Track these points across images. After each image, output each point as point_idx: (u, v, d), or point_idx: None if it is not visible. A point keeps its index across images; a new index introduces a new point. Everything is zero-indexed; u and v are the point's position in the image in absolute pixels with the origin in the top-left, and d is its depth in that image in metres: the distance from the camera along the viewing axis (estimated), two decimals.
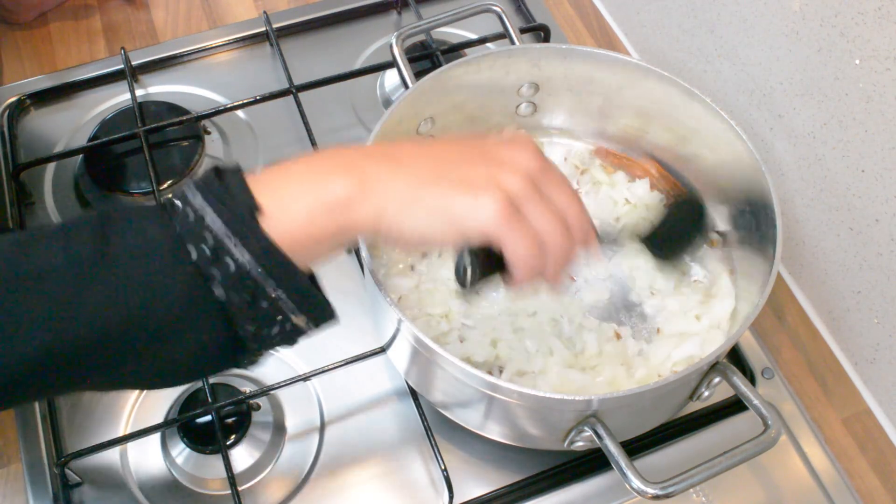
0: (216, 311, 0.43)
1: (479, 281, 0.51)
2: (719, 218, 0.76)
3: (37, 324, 0.41)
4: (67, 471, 0.67)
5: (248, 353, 0.46)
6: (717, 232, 0.74)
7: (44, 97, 0.92)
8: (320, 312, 0.47)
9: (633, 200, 0.78)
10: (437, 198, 0.46)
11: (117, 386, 0.50)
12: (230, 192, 0.44)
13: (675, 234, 0.65)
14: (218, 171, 0.45)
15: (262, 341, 0.46)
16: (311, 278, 0.48)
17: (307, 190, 0.45)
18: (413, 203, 0.46)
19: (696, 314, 0.71)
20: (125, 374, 0.45)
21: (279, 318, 0.45)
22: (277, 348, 0.47)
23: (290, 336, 0.47)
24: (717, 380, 0.61)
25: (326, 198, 0.45)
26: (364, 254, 0.62)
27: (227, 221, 0.42)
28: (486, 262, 0.50)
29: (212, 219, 0.42)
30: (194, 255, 0.42)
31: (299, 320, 0.46)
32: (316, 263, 0.47)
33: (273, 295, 0.44)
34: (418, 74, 0.72)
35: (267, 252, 0.43)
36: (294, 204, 0.45)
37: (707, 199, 0.76)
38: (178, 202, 0.43)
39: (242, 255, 0.42)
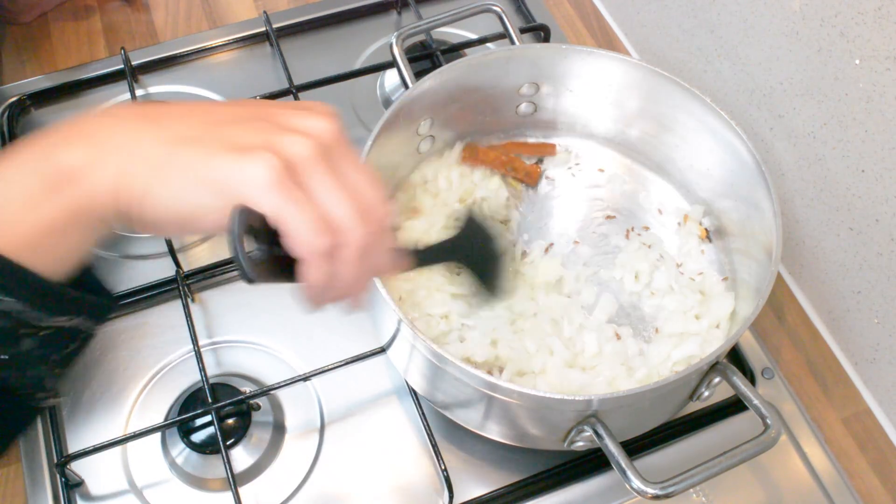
0: None
1: (268, 271, 0.40)
2: (719, 217, 0.76)
3: None
4: (67, 471, 0.67)
5: (36, 389, 0.36)
6: (708, 231, 0.74)
7: (44, 97, 0.92)
8: (93, 308, 0.37)
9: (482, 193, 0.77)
10: (195, 160, 0.36)
11: None
12: None
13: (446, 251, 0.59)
14: None
15: (21, 368, 0.35)
16: (88, 270, 0.39)
17: (24, 168, 0.35)
18: (162, 166, 0.36)
19: (695, 314, 0.71)
20: None
21: (25, 330, 0.35)
22: (59, 364, 0.38)
23: (58, 345, 0.37)
24: (717, 380, 0.61)
25: (47, 172, 0.35)
26: None
27: None
28: (274, 249, 0.40)
29: None
30: None
31: (62, 320, 0.36)
32: (68, 260, 0.37)
33: (9, 309, 0.34)
34: (418, 74, 0.72)
35: None
36: (7, 189, 0.35)
37: (707, 198, 0.77)
38: None
39: None
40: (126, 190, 0.36)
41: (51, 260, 0.36)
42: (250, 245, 0.39)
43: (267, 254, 0.40)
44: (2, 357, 0.35)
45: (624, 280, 0.74)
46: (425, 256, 0.58)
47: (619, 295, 0.74)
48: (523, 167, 0.78)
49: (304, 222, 0.37)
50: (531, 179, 0.78)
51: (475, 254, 0.61)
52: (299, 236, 0.37)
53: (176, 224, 0.37)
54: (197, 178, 0.36)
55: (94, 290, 0.39)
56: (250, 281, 0.38)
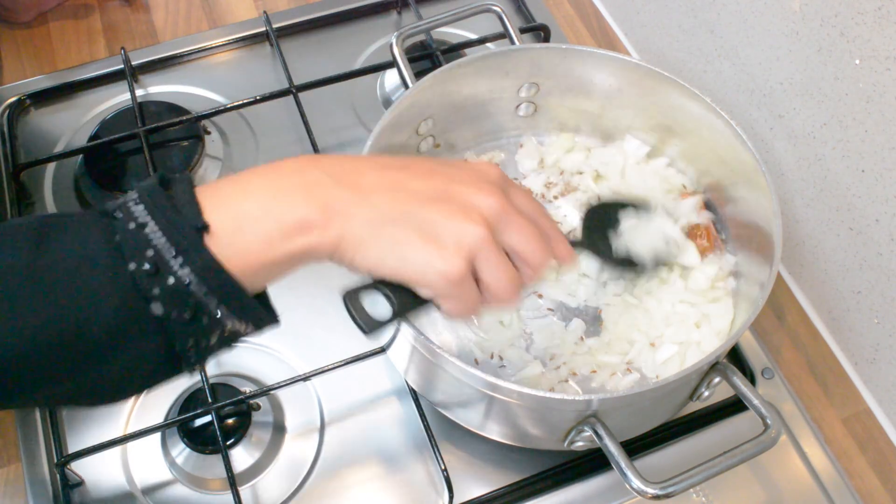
0: (154, 328, 0.41)
1: (393, 319, 0.49)
2: (719, 217, 0.76)
3: None
4: (67, 471, 0.67)
5: (187, 363, 0.45)
6: (716, 235, 0.74)
7: (44, 97, 0.92)
8: (263, 321, 0.45)
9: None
10: (398, 241, 0.46)
11: (53, 403, 0.49)
12: (176, 204, 0.42)
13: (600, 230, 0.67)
14: (165, 181, 0.44)
15: (200, 352, 0.44)
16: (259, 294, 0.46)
17: (265, 211, 0.44)
18: (373, 240, 0.45)
19: (695, 322, 0.71)
20: (61, 391, 0.44)
21: (219, 330, 0.43)
22: (217, 353, 0.46)
23: (229, 341, 0.45)
24: (717, 380, 0.61)
25: (285, 222, 0.44)
26: None
27: (170, 236, 0.41)
28: (404, 298, 0.49)
29: (153, 232, 0.41)
30: (132, 269, 0.40)
31: (240, 327, 0.44)
32: (273, 281, 0.46)
33: (215, 312, 0.42)
34: (418, 74, 0.72)
35: (210, 270, 0.41)
36: (250, 225, 0.43)
37: (707, 198, 0.77)
38: (119, 212, 0.42)
39: (183, 272, 0.41)
40: (341, 249, 0.45)
41: (263, 281, 0.45)
42: (375, 297, 0.49)
43: (395, 301, 0.48)
44: (200, 343, 0.43)
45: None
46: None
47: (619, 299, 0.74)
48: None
49: (462, 309, 0.48)
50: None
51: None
52: (454, 315, 0.49)
53: (364, 272, 0.47)
54: (396, 254, 0.46)
55: (265, 304, 0.47)
56: (367, 334, 0.49)
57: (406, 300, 0.48)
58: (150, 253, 0.40)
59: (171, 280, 0.41)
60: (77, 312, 0.40)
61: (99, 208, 0.43)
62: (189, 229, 0.41)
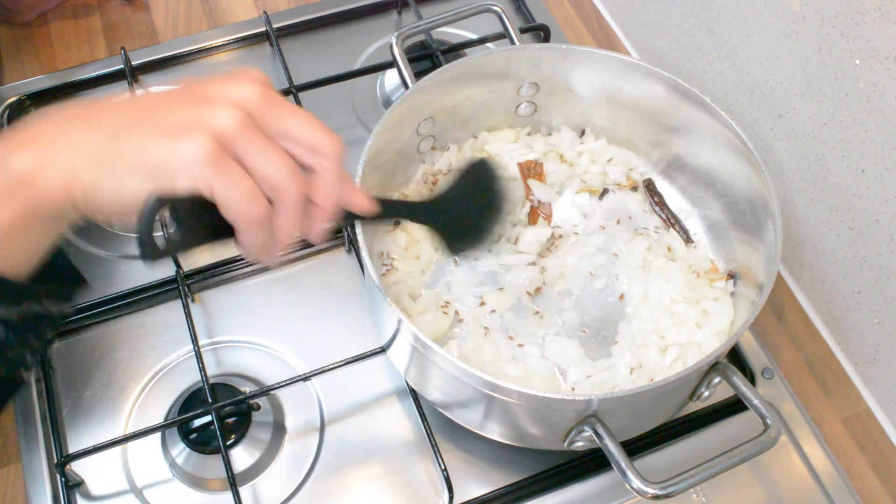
0: None
1: (182, 245, 0.42)
2: (719, 217, 0.76)
3: None
4: (67, 471, 0.67)
5: (10, 369, 0.40)
6: (729, 274, 0.74)
7: (44, 97, 0.92)
8: (56, 295, 0.40)
9: None
10: (133, 149, 0.38)
11: None
12: None
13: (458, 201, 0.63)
14: None
15: (10, 354, 0.39)
16: (59, 254, 0.41)
17: None
18: (105, 160, 0.38)
19: (695, 322, 0.71)
20: None
21: (6, 326, 0.38)
22: (35, 346, 0.41)
23: (30, 330, 0.40)
24: (717, 380, 0.61)
25: (2, 178, 0.38)
26: (364, 254, 0.62)
27: None
28: (196, 221, 0.41)
29: None
30: None
31: (28, 308, 0.39)
32: (31, 257, 0.40)
33: None
34: (418, 74, 0.72)
35: None
36: None
37: (707, 198, 0.77)
38: None
39: None
40: (75, 186, 0.38)
41: (14, 257, 0.38)
42: (171, 222, 0.41)
43: (191, 227, 0.41)
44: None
45: (618, 289, 0.74)
46: (395, 208, 0.59)
47: (619, 298, 0.74)
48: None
49: (237, 194, 0.39)
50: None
51: (468, 202, 0.64)
52: (233, 205, 0.39)
53: (122, 209, 0.39)
54: (137, 166, 0.38)
55: (65, 274, 0.41)
56: (150, 259, 0.40)
57: (192, 225, 0.41)
58: None
59: None
60: None
61: None
62: None
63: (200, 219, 0.41)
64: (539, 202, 0.77)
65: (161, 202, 0.39)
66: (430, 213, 0.63)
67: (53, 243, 0.40)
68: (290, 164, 0.41)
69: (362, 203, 0.48)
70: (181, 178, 0.38)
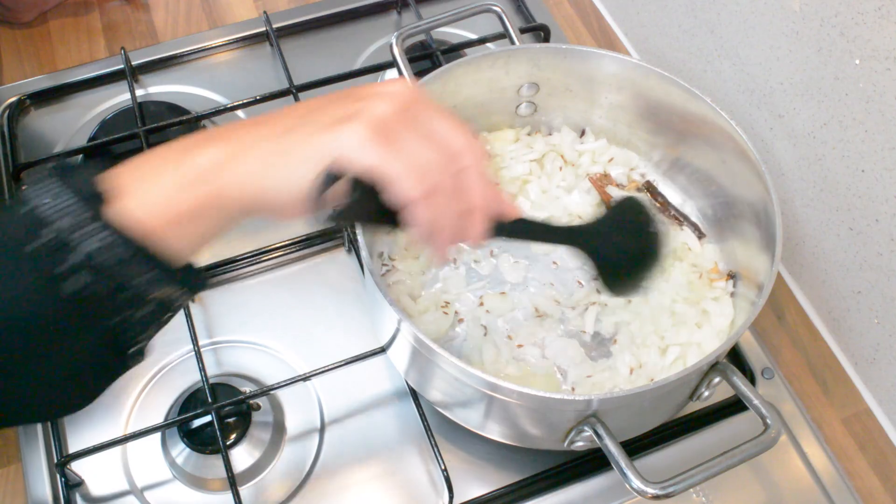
0: (72, 311, 0.39)
1: (354, 212, 0.45)
2: (719, 217, 0.76)
3: None
4: (67, 471, 0.67)
5: (125, 347, 0.43)
6: (729, 274, 0.74)
7: (44, 97, 0.92)
8: (190, 282, 0.43)
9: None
10: (301, 142, 0.42)
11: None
12: (74, 178, 0.40)
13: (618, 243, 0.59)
14: (71, 167, 0.42)
15: (133, 330, 0.42)
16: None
17: (170, 165, 0.42)
18: (279, 155, 0.42)
19: (695, 322, 0.71)
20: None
21: (144, 300, 0.41)
22: (152, 330, 0.44)
23: (163, 311, 0.43)
24: (717, 380, 0.61)
25: (189, 169, 0.42)
26: (364, 254, 0.62)
27: (69, 209, 0.38)
28: (366, 200, 0.44)
29: (52, 208, 0.38)
30: (32, 249, 0.38)
31: (169, 292, 0.42)
32: (196, 245, 0.43)
33: (134, 280, 0.40)
34: (418, 74, 0.72)
35: (116, 238, 0.39)
36: (155, 180, 0.41)
37: (707, 198, 0.77)
38: (11, 200, 0.40)
39: (90, 245, 0.38)
40: (252, 181, 0.42)
41: (187, 241, 0.42)
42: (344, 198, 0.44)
43: (362, 203, 0.44)
44: (128, 318, 0.41)
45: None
46: (540, 228, 0.58)
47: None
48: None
49: (399, 170, 0.42)
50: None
51: (617, 242, 0.60)
52: (397, 184, 0.42)
53: (296, 202, 0.43)
54: (303, 157, 0.42)
55: (193, 268, 0.45)
56: (332, 222, 0.44)
57: (363, 202, 0.44)
58: (49, 231, 0.38)
59: (76, 255, 0.38)
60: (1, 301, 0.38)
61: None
62: (88, 198, 0.39)
63: (371, 199, 0.44)
64: None
65: (331, 178, 0.42)
66: (582, 239, 0.59)
67: (217, 237, 0.44)
68: (444, 151, 0.44)
69: (512, 209, 0.50)
70: (345, 159, 0.41)
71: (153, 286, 0.41)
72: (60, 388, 0.43)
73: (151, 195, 0.41)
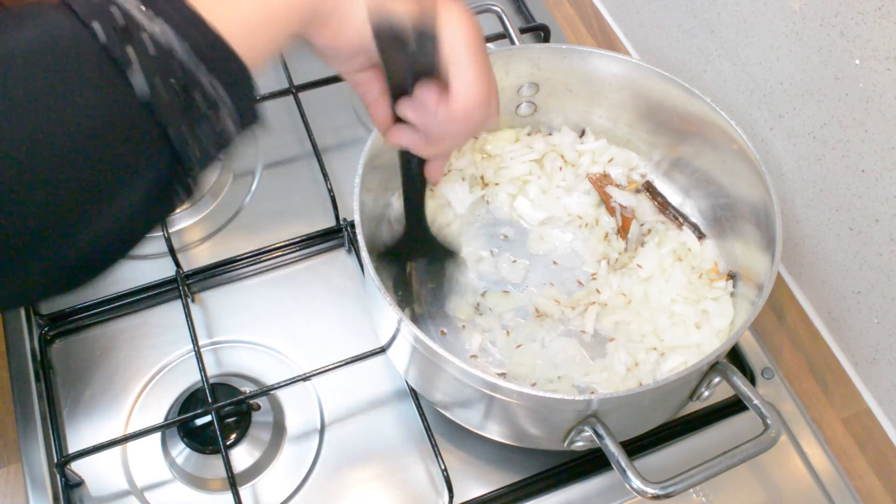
0: (141, 110, 0.35)
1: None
2: (719, 218, 0.76)
3: None
4: (67, 471, 0.67)
5: (186, 161, 0.38)
6: (729, 274, 0.74)
7: None
8: (250, 109, 0.41)
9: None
10: None
11: (57, 272, 0.38)
12: None
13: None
14: None
15: (198, 144, 0.38)
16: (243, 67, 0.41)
17: None
18: None
19: (695, 322, 0.71)
20: (60, 249, 0.36)
21: (213, 115, 0.38)
22: (213, 161, 0.41)
23: (222, 144, 0.40)
24: (717, 380, 0.61)
25: None
26: (364, 254, 0.62)
27: None
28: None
29: None
30: (102, 36, 0.34)
31: (230, 122, 0.39)
32: (264, 56, 0.41)
33: (205, 82, 0.36)
34: None
35: (191, 23, 0.35)
36: None
37: (707, 198, 0.77)
38: None
39: (162, 29, 0.34)
40: (317, 9, 0.44)
41: (256, 50, 0.40)
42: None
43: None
44: (193, 126, 0.38)
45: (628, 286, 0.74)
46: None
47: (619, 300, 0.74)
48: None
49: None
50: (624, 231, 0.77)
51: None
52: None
53: (351, 45, 0.49)
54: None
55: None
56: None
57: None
58: (116, 13, 0.34)
59: (148, 41, 0.34)
60: (46, 108, 0.33)
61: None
62: None
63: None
64: (622, 207, 0.77)
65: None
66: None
67: (276, 54, 0.43)
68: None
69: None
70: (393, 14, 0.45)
71: (222, 104, 0.38)
72: (121, 219, 0.38)
73: (225, 5, 0.38)
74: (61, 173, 0.34)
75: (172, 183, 0.39)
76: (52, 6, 0.35)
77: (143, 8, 0.34)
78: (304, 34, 0.46)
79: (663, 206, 0.78)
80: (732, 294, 0.72)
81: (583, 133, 0.81)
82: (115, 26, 0.34)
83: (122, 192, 0.37)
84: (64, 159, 0.34)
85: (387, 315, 0.62)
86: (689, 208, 0.78)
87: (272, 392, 0.72)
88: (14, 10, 0.34)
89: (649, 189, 0.78)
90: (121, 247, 0.42)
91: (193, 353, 0.71)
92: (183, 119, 0.36)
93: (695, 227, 0.76)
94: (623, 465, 0.56)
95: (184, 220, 0.82)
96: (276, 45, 0.42)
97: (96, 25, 0.34)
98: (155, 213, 0.42)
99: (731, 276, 0.73)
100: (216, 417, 0.68)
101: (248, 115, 0.40)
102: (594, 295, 0.73)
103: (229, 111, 0.38)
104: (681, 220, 0.77)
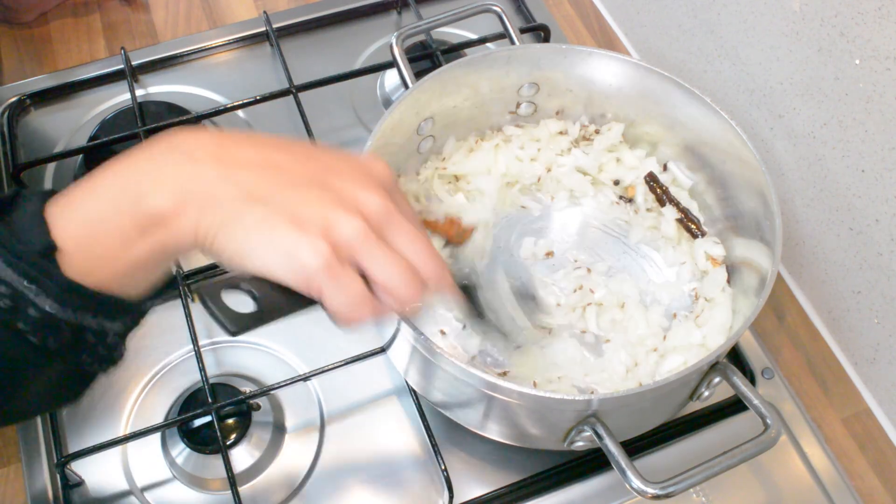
0: (42, 353, 0.40)
1: (264, 319, 0.46)
2: (719, 218, 0.76)
3: None
4: (67, 471, 0.67)
5: (100, 368, 0.44)
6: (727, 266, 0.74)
7: (44, 97, 0.92)
8: (136, 320, 0.45)
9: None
10: (261, 224, 0.42)
11: None
12: (19, 232, 0.40)
13: None
14: (10, 203, 0.41)
15: (103, 358, 0.43)
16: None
17: (115, 209, 0.41)
18: (235, 221, 0.42)
19: (695, 322, 0.71)
20: None
21: (108, 336, 0.43)
22: (107, 365, 0.45)
23: (127, 331, 0.45)
24: (717, 380, 0.61)
25: (138, 217, 0.41)
26: None
27: (19, 269, 0.38)
28: (275, 295, 0.45)
29: (4, 263, 0.38)
30: None
31: (131, 324, 0.44)
32: (145, 284, 0.44)
33: (96, 326, 0.41)
34: (418, 74, 0.72)
35: (70, 292, 0.39)
36: (103, 229, 0.41)
37: (707, 198, 0.77)
38: None
39: (43, 301, 0.39)
40: (203, 236, 0.42)
41: (137, 285, 0.43)
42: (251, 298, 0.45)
43: (274, 301, 0.45)
44: (92, 351, 0.42)
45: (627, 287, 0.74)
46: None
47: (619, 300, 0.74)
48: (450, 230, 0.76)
49: (344, 300, 0.43)
50: (460, 239, 0.75)
51: None
52: (337, 310, 0.44)
53: (240, 265, 0.43)
54: (259, 240, 0.42)
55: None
56: (233, 334, 0.45)
57: (276, 297, 0.44)
58: (4, 290, 0.38)
59: (33, 311, 0.39)
60: None
61: None
62: (36, 256, 0.39)
63: (283, 294, 0.45)
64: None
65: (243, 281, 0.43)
66: None
67: (167, 272, 0.45)
68: (413, 276, 0.45)
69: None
70: (295, 272, 0.42)
71: (114, 324, 0.42)
72: (43, 400, 0.44)
73: (103, 246, 0.41)
74: None
75: (83, 372, 0.44)
76: None
77: (26, 284, 0.38)
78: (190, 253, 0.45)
79: (666, 194, 0.77)
80: (732, 294, 0.72)
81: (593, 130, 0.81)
82: (4, 302, 0.38)
83: (27, 386, 0.42)
84: None
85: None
86: (690, 207, 0.78)
87: (272, 392, 0.72)
88: None
89: (653, 179, 0.78)
90: (61, 404, 0.49)
91: (193, 353, 0.71)
92: (81, 353, 0.41)
93: (695, 225, 0.76)
94: (623, 465, 0.56)
95: None
96: (158, 275, 0.44)
97: (1, 289, 0.38)
98: (83, 384, 0.46)
99: (731, 275, 0.73)
100: (216, 417, 0.68)
101: (134, 322, 0.44)
102: (594, 295, 0.73)
103: (117, 331, 0.42)
104: (682, 216, 0.76)
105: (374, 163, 0.47)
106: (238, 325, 0.44)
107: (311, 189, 0.43)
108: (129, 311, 0.43)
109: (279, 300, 0.45)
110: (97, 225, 0.41)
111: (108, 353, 0.43)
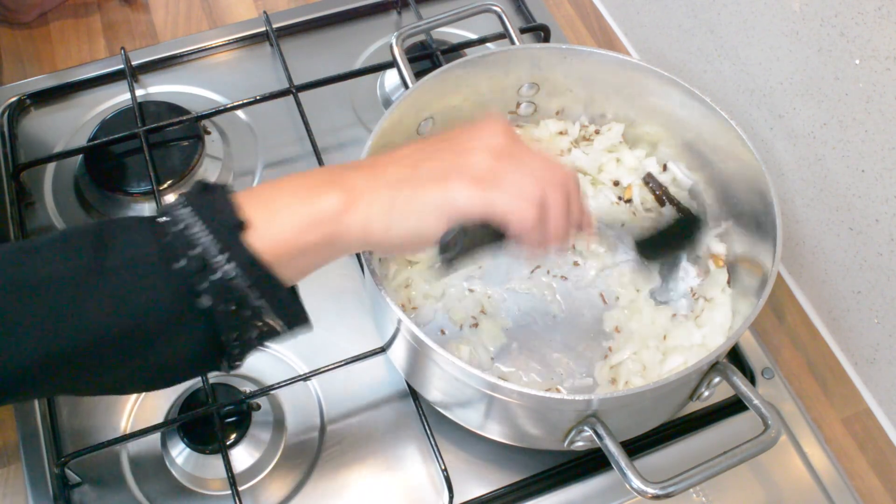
0: (202, 319, 0.45)
1: (465, 254, 0.53)
2: (719, 218, 0.76)
3: (35, 332, 0.42)
4: (67, 471, 0.67)
5: (229, 356, 0.48)
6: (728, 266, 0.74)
7: (44, 97, 0.92)
8: (296, 319, 0.49)
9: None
10: (412, 198, 0.48)
11: (108, 390, 0.52)
12: (216, 206, 0.46)
13: (668, 243, 0.72)
14: (206, 186, 0.48)
15: (242, 345, 0.48)
16: (292, 288, 0.50)
17: (298, 203, 0.47)
18: (393, 207, 0.48)
19: (696, 322, 0.71)
20: (116, 379, 0.47)
21: (259, 323, 0.47)
22: (254, 350, 0.49)
23: (267, 337, 0.49)
24: (717, 380, 0.61)
25: (315, 211, 0.47)
26: (364, 254, 0.62)
27: (214, 234, 0.44)
28: (477, 235, 0.52)
29: (198, 232, 0.44)
30: (182, 265, 0.44)
31: (276, 324, 0.48)
32: (304, 274, 0.49)
33: (256, 304, 0.46)
34: (418, 74, 0.72)
35: (252, 264, 0.45)
36: (284, 216, 0.47)
37: (706, 197, 0.77)
38: (167, 216, 0.45)
39: (229, 267, 0.44)
40: (371, 228, 0.48)
41: (298, 272, 0.48)
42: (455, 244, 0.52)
43: (464, 237, 0.52)
44: (241, 334, 0.47)
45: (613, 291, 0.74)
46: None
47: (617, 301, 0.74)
48: None
49: (510, 203, 0.49)
50: None
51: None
52: (512, 216, 0.49)
53: (410, 245, 0.50)
54: (417, 209, 0.48)
55: (299, 307, 0.50)
56: (448, 263, 0.53)
57: (478, 233, 0.51)
58: (196, 251, 0.44)
59: (218, 275, 0.44)
60: (135, 309, 0.44)
61: (153, 216, 0.47)
62: (230, 227, 0.45)
63: (481, 233, 0.52)
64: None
65: (450, 231, 0.49)
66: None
67: (322, 266, 0.50)
68: (541, 183, 0.50)
69: (589, 229, 0.58)
70: (458, 211, 0.48)
71: (268, 314, 0.47)
72: (163, 370, 0.48)
73: (280, 229, 0.46)
74: (130, 341, 0.45)
75: (216, 358, 0.48)
76: (144, 230, 0.45)
77: (219, 251, 0.44)
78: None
79: (665, 193, 0.77)
80: (732, 293, 0.72)
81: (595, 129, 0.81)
82: (194, 261, 0.44)
83: (158, 351, 0.46)
84: (137, 336, 0.45)
85: (387, 315, 0.62)
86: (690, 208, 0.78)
87: (272, 392, 0.72)
88: (116, 223, 0.46)
89: (651, 180, 0.78)
90: (180, 377, 0.51)
91: None
92: (233, 328, 0.46)
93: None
94: (623, 465, 0.56)
95: None
96: (318, 265, 0.49)
97: (182, 262, 0.44)
98: (198, 373, 0.52)
99: (731, 274, 0.73)
100: (216, 417, 0.68)
101: (294, 320, 0.48)
102: (593, 295, 0.73)
103: (273, 318, 0.47)
104: (682, 214, 0.76)
105: (490, 115, 0.54)
106: (448, 266, 0.53)
107: (439, 154, 0.51)
108: (286, 309, 0.47)
109: (479, 234, 0.52)
110: (278, 211, 0.47)
111: (242, 347, 0.48)
